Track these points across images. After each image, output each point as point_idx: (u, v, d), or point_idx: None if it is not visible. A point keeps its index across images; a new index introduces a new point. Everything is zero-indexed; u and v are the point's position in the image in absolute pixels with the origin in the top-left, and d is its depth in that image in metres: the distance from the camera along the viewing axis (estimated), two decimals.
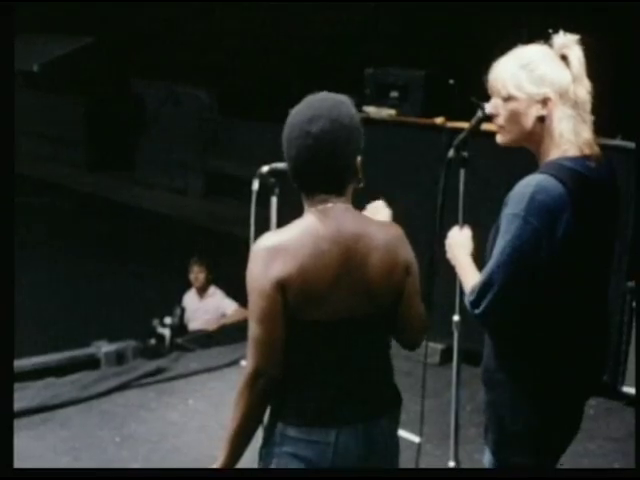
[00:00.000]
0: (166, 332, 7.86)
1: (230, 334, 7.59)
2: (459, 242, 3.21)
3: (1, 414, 2.94)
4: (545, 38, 2.95)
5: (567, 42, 2.93)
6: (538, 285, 2.82)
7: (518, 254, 2.78)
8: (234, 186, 13.31)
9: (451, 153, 3.46)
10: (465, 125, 6.37)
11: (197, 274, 8.73)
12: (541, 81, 2.88)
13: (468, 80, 7.45)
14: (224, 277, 8.79)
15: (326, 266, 2.62)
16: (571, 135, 2.87)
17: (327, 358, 2.70)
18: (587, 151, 2.88)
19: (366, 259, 2.67)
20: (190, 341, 7.67)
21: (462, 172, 3.85)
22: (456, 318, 3.94)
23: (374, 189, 6.58)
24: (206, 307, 8.71)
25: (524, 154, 3.02)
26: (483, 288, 2.82)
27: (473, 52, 8.03)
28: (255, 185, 3.33)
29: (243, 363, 6.38)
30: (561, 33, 2.95)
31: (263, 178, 3.33)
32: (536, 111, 2.89)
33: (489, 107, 3.01)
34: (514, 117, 2.92)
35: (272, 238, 2.67)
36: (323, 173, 2.66)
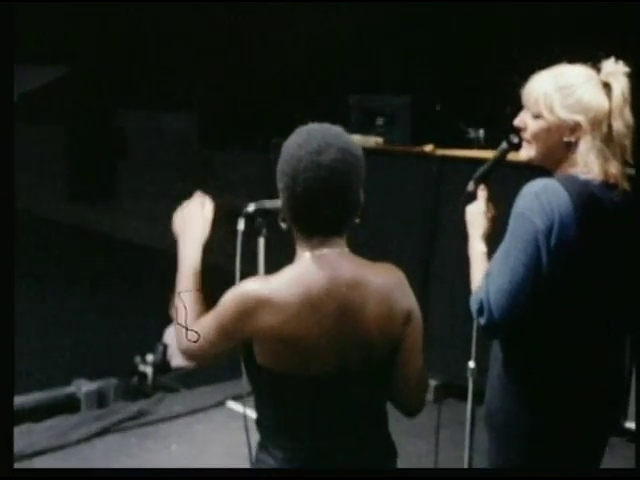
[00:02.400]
0: (148, 370, 7.56)
1: (215, 372, 7.34)
2: (469, 220, 3.05)
3: (1, 413, 2.83)
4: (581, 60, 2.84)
5: (614, 71, 2.78)
6: (541, 304, 2.66)
7: (522, 255, 2.63)
8: (217, 215, 13.14)
9: (471, 186, 3.25)
10: (455, 152, 6.29)
11: None
12: (575, 107, 2.73)
13: (456, 105, 7.33)
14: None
15: (315, 322, 2.39)
16: (596, 167, 2.70)
17: (314, 414, 2.47)
18: (612, 180, 2.71)
19: (361, 308, 2.43)
20: (174, 380, 7.39)
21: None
22: (472, 365, 3.58)
23: (362, 221, 6.37)
24: None
25: None
26: (487, 293, 2.67)
27: (460, 77, 7.87)
28: (240, 225, 3.04)
29: (229, 404, 6.17)
30: (612, 60, 2.80)
31: (249, 217, 3.05)
32: (564, 136, 2.75)
33: (517, 121, 2.87)
34: (540, 135, 2.79)
35: (256, 284, 2.43)
36: (333, 208, 2.41)
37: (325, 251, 2.44)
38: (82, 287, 11.14)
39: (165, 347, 7.96)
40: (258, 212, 3.05)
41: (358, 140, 6.50)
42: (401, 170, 6.46)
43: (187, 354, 2.56)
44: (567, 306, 2.69)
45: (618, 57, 2.82)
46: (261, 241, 3.11)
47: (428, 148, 6.33)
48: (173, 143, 14.43)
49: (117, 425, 5.83)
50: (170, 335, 8.51)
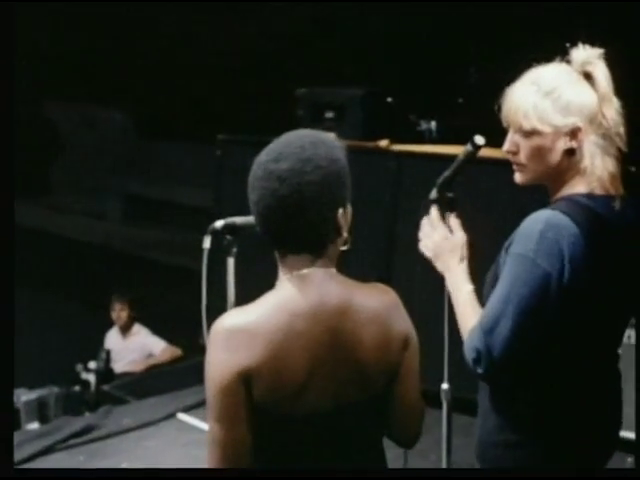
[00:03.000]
0: (91, 378, 7.23)
1: (162, 378, 7.05)
2: (447, 248, 2.72)
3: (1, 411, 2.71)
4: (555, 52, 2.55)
5: (590, 58, 2.51)
6: (545, 339, 2.41)
7: (526, 302, 2.35)
8: (155, 209, 12.85)
9: (433, 194, 2.97)
10: (413, 148, 6.03)
11: (119, 312, 8.18)
12: (568, 109, 2.45)
13: (406, 97, 7.09)
14: (148, 306, 8.30)
15: (304, 351, 2.13)
16: (601, 170, 2.44)
17: (308, 456, 2.21)
18: (612, 190, 2.45)
19: (354, 337, 2.18)
20: (118, 388, 7.07)
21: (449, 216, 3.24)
22: (445, 386, 3.28)
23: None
24: (131, 347, 8.16)
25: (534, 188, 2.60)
26: (485, 343, 2.39)
27: (409, 68, 7.64)
28: (206, 243, 2.68)
29: (180, 416, 5.87)
30: (581, 47, 2.52)
31: (216, 235, 2.72)
32: (564, 144, 2.47)
33: (507, 146, 2.57)
34: (538, 154, 2.50)
35: (237, 317, 2.15)
36: (291, 226, 2.16)
37: (306, 271, 2.19)
38: (17, 287, 10.73)
39: (108, 353, 7.66)
40: (226, 229, 2.71)
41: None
42: (355, 167, 6.18)
43: (217, 464, 2.16)
44: (573, 338, 2.46)
45: (583, 42, 2.57)
46: (230, 262, 2.73)
47: (383, 143, 6.05)
48: (108, 137, 14.10)
49: (62, 443, 5.49)
50: (111, 340, 8.20)
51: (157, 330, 8.28)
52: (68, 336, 9.02)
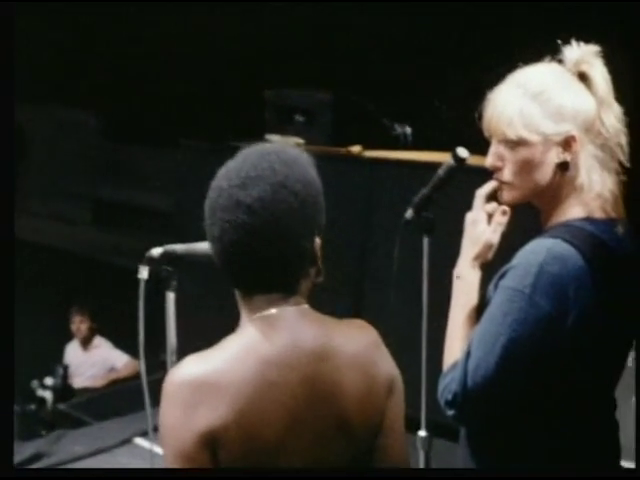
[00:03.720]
0: (47, 395, 6.90)
1: (123, 396, 6.69)
2: (472, 235, 2.27)
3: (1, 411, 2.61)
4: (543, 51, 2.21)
5: (585, 56, 2.16)
6: (535, 384, 2.08)
7: (517, 345, 2.02)
8: (125, 215, 12.59)
9: (409, 214, 2.63)
10: (387, 154, 5.71)
11: (79, 324, 7.91)
12: (560, 115, 2.11)
13: (379, 101, 6.80)
14: (115, 315, 7.99)
15: (278, 405, 1.81)
16: (600, 187, 2.10)
17: None
18: (613, 212, 2.12)
19: (335, 386, 1.86)
20: (76, 407, 6.73)
21: (426, 241, 2.82)
22: (422, 434, 2.92)
23: None
24: (92, 360, 7.87)
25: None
26: (463, 387, 2.06)
27: (383, 71, 7.35)
28: (143, 273, 2.32)
29: (137, 441, 5.52)
30: (574, 44, 2.17)
31: (154, 264, 2.34)
32: (556, 156, 2.13)
33: (490, 160, 2.21)
34: (526, 168, 2.14)
35: (195, 366, 1.82)
36: (262, 264, 1.84)
37: (274, 311, 1.87)
38: None
39: (65, 369, 7.35)
40: (165, 258, 2.33)
41: (277, 141, 6.06)
42: (325, 174, 5.85)
43: None
44: (568, 383, 2.12)
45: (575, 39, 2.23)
46: (170, 297, 2.36)
47: (355, 149, 5.72)
48: (77, 140, 13.83)
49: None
50: (71, 354, 7.86)
51: (121, 343, 7.95)
52: (23, 349, 8.65)
